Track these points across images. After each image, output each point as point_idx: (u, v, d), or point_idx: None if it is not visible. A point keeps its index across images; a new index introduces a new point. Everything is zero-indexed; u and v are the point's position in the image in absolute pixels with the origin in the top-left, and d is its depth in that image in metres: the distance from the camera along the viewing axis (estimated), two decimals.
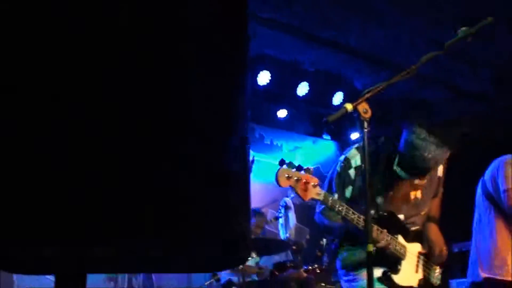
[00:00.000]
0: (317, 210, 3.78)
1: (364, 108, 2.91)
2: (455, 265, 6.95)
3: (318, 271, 6.79)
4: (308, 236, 7.57)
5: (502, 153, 5.20)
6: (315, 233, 7.23)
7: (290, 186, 3.16)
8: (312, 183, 3.23)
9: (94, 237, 0.99)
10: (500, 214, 4.79)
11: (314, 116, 9.67)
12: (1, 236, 0.94)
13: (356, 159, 3.70)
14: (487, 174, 4.98)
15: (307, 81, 8.48)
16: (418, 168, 3.52)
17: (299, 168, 3.19)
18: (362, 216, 3.35)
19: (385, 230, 3.52)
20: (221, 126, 1.06)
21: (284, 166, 3.15)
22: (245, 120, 1.13)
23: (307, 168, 3.24)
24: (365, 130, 2.90)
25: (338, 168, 3.74)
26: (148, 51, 1.02)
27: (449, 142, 3.46)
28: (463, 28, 3.16)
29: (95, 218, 0.97)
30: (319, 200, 3.31)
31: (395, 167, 3.58)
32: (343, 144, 10.03)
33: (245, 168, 1.12)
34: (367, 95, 2.93)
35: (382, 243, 3.46)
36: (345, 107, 2.89)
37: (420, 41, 7.66)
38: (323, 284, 6.54)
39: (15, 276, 6.40)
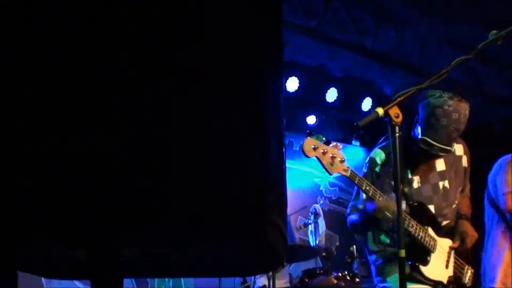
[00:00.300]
0: (346, 214, 3.78)
1: (395, 112, 2.89)
2: None
3: (348, 278, 6.75)
4: (337, 243, 7.54)
5: None
6: (345, 240, 7.20)
7: (316, 157, 3.13)
8: (339, 158, 3.20)
9: (124, 238, 0.97)
10: (503, 222, 4.72)
11: (343, 122, 9.64)
12: (32, 236, 0.94)
13: (381, 156, 3.69)
14: (490, 177, 4.91)
15: (336, 87, 8.46)
16: (446, 125, 3.45)
17: (327, 142, 3.17)
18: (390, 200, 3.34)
19: (411, 221, 3.48)
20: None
21: (312, 137, 3.12)
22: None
23: (335, 144, 3.21)
24: (397, 134, 2.87)
25: (364, 169, 3.74)
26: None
27: (465, 93, 3.46)
28: (494, 31, 3.13)
29: (125, 218, 0.95)
30: (345, 175, 3.27)
31: (419, 144, 3.51)
32: (372, 149, 9.96)
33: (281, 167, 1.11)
34: (399, 99, 2.92)
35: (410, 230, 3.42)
36: (376, 111, 2.88)
37: (446, 45, 7.62)
38: None
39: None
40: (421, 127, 3.53)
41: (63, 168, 0.93)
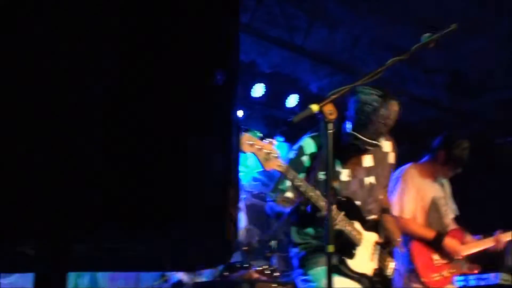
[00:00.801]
0: (269, 200, 3.78)
1: (329, 109, 2.91)
2: None
3: (268, 272, 6.78)
4: (258, 238, 7.55)
5: None
6: (266, 234, 7.24)
7: (253, 152, 3.16)
8: (274, 154, 3.25)
9: (75, 234, 0.95)
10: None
11: (268, 118, 9.68)
12: None
13: (309, 147, 3.73)
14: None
15: (264, 83, 8.48)
16: (371, 122, 3.52)
17: (262, 138, 3.21)
18: (321, 195, 3.39)
19: (342, 213, 3.54)
20: None
21: (249, 133, 3.15)
22: None
23: (270, 140, 3.25)
24: (330, 131, 2.90)
25: (291, 156, 3.77)
26: None
27: (394, 103, 3.53)
28: (426, 34, 3.19)
29: (75, 214, 0.93)
30: (280, 171, 3.32)
31: (348, 139, 3.57)
32: None
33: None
34: (333, 97, 2.93)
35: (338, 224, 3.47)
36: (310, 108, 2.89)
37: (377, 46, 7.77)
38: (274, 285, 6.52)
39: None
40: (350, 122, 3.58)
41: (12, 167, 0.91)
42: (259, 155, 3.19)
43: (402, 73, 8.08)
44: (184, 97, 1.01)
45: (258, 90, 8.49)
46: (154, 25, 1.01)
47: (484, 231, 5.50)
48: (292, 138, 9.99)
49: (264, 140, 3.23)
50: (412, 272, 4.97)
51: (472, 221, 5.33)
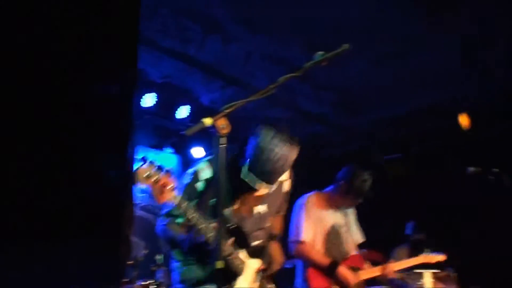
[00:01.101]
0: (162, 223, 3.73)
1: (222, 123, 2.90)
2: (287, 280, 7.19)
3: (153, 286, 6.68)
4: (144, 251, 7.42)
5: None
6: (152, 247, 7.13)
7: (148, 185, 3.11)
8: (170, 186, 3.21)
9: None
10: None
11: (158, 128, 9.59)
12: None
13: (205, 172, 3.71)
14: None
15: (155, 93, 8.39)
16: (268, 170, 3.51)
17: (160, 169, 3.15)
18: (210, 226, 3.38)
19: (229, 242, 3.55)
20: None
21: (146, 165, 3.08)
22: None
23: (168, 169, 3.21)
24: (223, 146, 2.89)
25: (185, 180, 3.74)
26: None
27: (295, 139, 3.55)
28: (320, 52, 3.25)
29: None
30: (173, 203, 3.28)
31: (242, 176, 3.56)
32: (185, 158, 10.02)
33: None
34: (227, 111, 2.93)
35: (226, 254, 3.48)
36: (203, 122, 2.88)
37: (269, 62, 7.89)
38: None
39: None
40: (247, 161, 3.56)
41: None
42: (154, 188, 3.15)
43: (291, 87, 8.24)
44: (74, 112, 0.98)
45: (148, 100, 8.39)
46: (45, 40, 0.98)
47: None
48: (181, 149, 9.97)
49: (161, 172, 3.18)
50: None
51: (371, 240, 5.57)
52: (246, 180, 3.54)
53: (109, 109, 0.93)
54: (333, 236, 5.35)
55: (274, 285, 3.98)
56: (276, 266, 3.95)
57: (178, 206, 3.32)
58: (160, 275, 7.13)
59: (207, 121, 2.88)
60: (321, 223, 5.29)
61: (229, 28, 7.03)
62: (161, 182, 3.16)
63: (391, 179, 9.85)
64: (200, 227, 3.38)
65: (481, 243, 8.42)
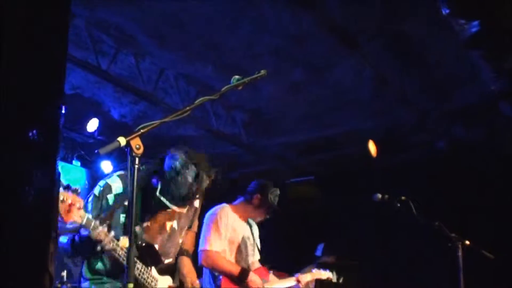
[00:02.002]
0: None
1: (137, 144, 2.87)
2: None
3: None
4: None
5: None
6: (57, 264, 6.94)
7: None
8: (78, 205, 3.14)
9: None
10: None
11: (66, 141, 9.37)
12: None
13: (117, 186, 3.67)
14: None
15: (63, 104, 8.17)
16: (180, 194, 3.53)
17: (67, 188, 3.09)
18: (119, 244, 3.34)
19: (137, 262, 3.52)
20: None
21: None
22: None
23: (75, 188, 3.14)
24: (136, 166, 2.87)
25: (96, 192, 3.68)
26: None
27: (209, 172, 3.58)
28: (236, 77, 3.27)
29: None
30: (80, 223, 3.22)
31: (158, 195, 3.56)
32: (93, 171, 9.84)
33: None
34: (142, 131, 2.90)
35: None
36: (118, 141, 2.83)
37: (182, 80, 7.91)
38: None
39: None
40: (160, 182, 3.56)
41: None
42: (61, 208, 3.08)
43: (204, 106, 8.26)
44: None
45: None
46: None
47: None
48: (89, 163, 9.79)
49: (68, 191, 3.12)
50: None
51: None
52: (161, 199, 3.55)
53: (31, 151, 0.93)
54: (243, 247, 5.41)
55: None
56: (188, 283, 3.94)
57: (86, 225, 3.26)
58: None
59: (122, 140, 2.84)
60: (234, 233, 5.34)
61: (143, 44, 7.00)
62: (68, 201, 3.10)
63: (302, 200, 10.04)
64: (105, 242, 3.33)
65: (384, 265, 8.68)
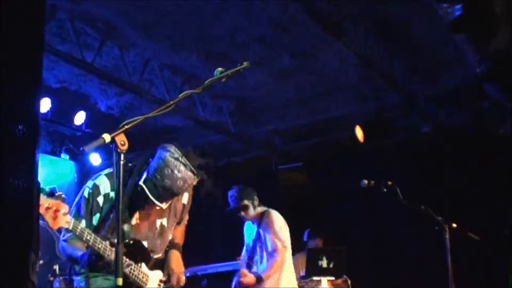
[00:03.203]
0: (62, 238, 3.64)
1: (121, 140, 2.84)
2: None
3: None
4: (42, 261, 7.21)
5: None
6: (49, 257, 6.94)
7: (40, 214, 3.00)
8: (63, 211, 3.12)
9: None
10: None
11: (53, 134, 9.33)
12: None
13: (105, 186, 3.64)
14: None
15: (50, 98, 8.12)
16: (167, 187, 3.47)
17: (51, 194, 3.06)
18: (108, 246, 3.33)
19: (127, 260, 3.52)
20: None
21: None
22: None
23: (59, 194, 3.11)
24: (122, 162, 2.84)
25: (86, 194, 3.64)
26: None
27: (198, 168, 3.55)
28: (220, 69, 3.24)
29: None
30: (68, 228, 3.20)
31: (141, 183, 3.52)
32: (82, 164, 9.81)
33: None
34: (126, 127, 2.87)
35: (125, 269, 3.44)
36: (103, 138, 2.80)
37: (167, 71, 7.87)
38: None
39: None
40: (147, 177, 3.53)
41: None
42: (46, 216, 3.05)
43: (190, 97, 8.24)
44: None
45: (43, 105, 8.10)
46: None
47: None
48: (78, 156, 9.75)
49: (52, 198, 3.09)
50: None
51: None
52: (148, 193, 3.52)
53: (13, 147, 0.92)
54: None
55: None
56: (175, 278, 3.94)
57: (73, 230, 3.23)
58: (57, 284, 6.99)
59: (107, 137, 2.81)
60: None
61: (127, 35, 6.96)
62: (54, 208, 3.07)
63: (291, 186, 10.07)
64: (97, 247, 3.32)
65: (373, 250, 8.73)
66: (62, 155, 9.61)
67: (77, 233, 3.25)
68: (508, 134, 8.22)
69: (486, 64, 6.53)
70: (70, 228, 3.20)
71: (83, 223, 3.45)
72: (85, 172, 9.41)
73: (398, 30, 6.80)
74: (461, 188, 8.47)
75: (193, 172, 3.52)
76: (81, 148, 2.79)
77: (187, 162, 3.48)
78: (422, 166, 8.85)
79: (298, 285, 7.21)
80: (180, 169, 3.45)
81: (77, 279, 3.76)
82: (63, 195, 3.13)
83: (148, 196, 3.51)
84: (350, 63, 7.50)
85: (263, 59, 7.25)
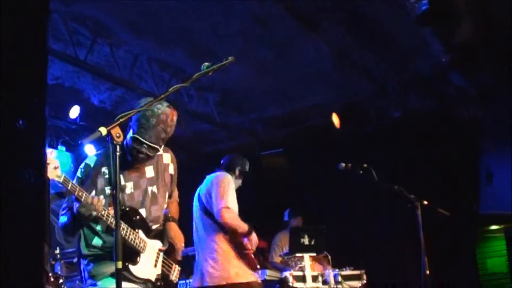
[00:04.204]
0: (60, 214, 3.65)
1: (117, 132, 2.87)
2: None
3: (52, 279, 6.55)
4: None
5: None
6: (59, 236, 6.93)
7: None
8: (53, 165, 3.13)
9: None
10: (220, 229, 5.15)
11: (50, 128, 9.31)
12: None
13: (92, 160, 3.68)
14: (203, 190, 5.31)
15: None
16: (155, 124, 3.52)
17: None
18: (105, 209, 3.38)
19: (125, 225, 3.54)
20: None
21: None
22: None
23: (50, 151, 3.13)
24: (118, 153, 2.87)
25: (79, 174, 3.66)
26: None
27: (174, 103, 3.60)
28: (206, 64, 3.26)
29: None
30: (59, 181, 3.20)
31: (137, 137, 3.53)
32: (77, 155, 9.79)
33: None
34: (121, 120, 2.89)
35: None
36: (99, 131, 2.82)
37: (156, 65, 7.87)
38: None
39: None
40: (132, 129, 3.56)
41: None
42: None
43: (178, 90, 8.23)
44: None
45: None
46: None
47: None
48: (73, 148, 9.73)
49: None
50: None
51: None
52: (134, 146, 3.55)
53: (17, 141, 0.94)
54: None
55: (178, 265, 3.97)
56: (178, 245, 3.96)
57: (65, 183, 3.24)
58: (59, 267, 6.98)
59: (103, 130, 2.83)
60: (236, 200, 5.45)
61: (117, 33, 6.96)
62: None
63: (272, 170, 10.12)
64: (87, 201, 3.34)
65: (350, 227, 8.81)
66: (59, 147, 9.61)
67: (69, 187, 3.26)
68: (472, 117, 8.34)
69: (450, 54, 6.62)
70: (61, 181, 3.20)
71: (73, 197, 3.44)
72: (81, 162, 9.40)
73: (369, 22, 6.84)
74: (431, 168, 8.57)
75: (168, 106, 3.58)
76: (79, 141, 2.82)
77: (160, 102, 3.51)
78: (395, 149, 8.93)
79: (282, 262, 7.27)
80: (158, 106, 3.51)
81: (83, 262, 3.75)
82: (53, 152, 3.15)
83: (144, 142, 3.53)
84: (325, 53, 7.53)
85: (244, 52, 7.27)
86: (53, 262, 6.92)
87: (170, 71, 8.01)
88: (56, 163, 3.15)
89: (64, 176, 3.23)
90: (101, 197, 3.42)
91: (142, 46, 7.37)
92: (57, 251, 6.99)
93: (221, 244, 5.22)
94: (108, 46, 7.29)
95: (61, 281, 6.66)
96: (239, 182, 5.63)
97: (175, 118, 3.66)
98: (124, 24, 6.75)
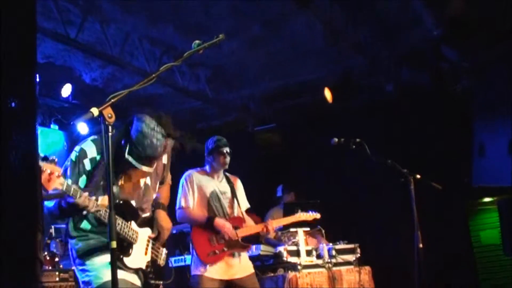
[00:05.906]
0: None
1: (109, 113, 2.85)
2: (172, 245, 7.29)
3: (48, 258, 6.58)
4: None
5: None
6: (46, 221, 6.91)
7: None
8: (56, 174, 3.12)
9: None
10: None
11: (42, 106, 9.29)
12: None
13: (91, 151, 3.65)
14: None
15: (37, 73, 8.03)
16: (147, 155, 3.50)
17: (45, 159, 3.06)
18: (99, 204, 3.38)
19: (120, 219, 3.56)
20: None
21: None
22: None
23: (52, 158, 3.11)
24: (110, 134, 2.85)
25: (73, 158, 3.64)
26: None
27: (173, 133, 3.58)
28: (197, 41, 3.24)
29: None
30: (62, 189, 3.20)
31: (126, 156, 3.54)
32: (70, 133, 9.77)
33: None
34: (112, 101, 2.87)
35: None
36: (91, 112, 2.81)
37: (147, 42, 7.81)
38: (56, 273, 6.35)
39: None
40: (128, 146, 3.53)
41: None
42: (42, 178, 3.05)
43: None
44: None
45: None
46: None
47: None
48: (66, 126, 9.70)
49: (47, 161, 3.08)
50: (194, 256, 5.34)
51: None
52: (129, 160, 3.54)
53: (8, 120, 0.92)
54: (214, 200, 5.52)
55: (165, 249, 4.04)
56: (165, 233, 4.01)
57: (66, 191, 3.24)
58: (54, 245, 6.99)
59: (95, 111, 2.81)
60: (201, 191, 5.46)
61: (107, 10, 6.90)
62: (47, 171, 3.07)
63: (266, 146, 10.14)
64: (90, 207, 3.35)
65: (343, 202, 8.85)
66: (52, 126, 9.59)
67: (71, 193, 3.26)
68: (465, 90, 8.33)
69: (442, 27, 6.59)
70: (64, 189, 3.20)
71: (69, 182, 3.44)
72: (74, 141, 9.40)
73: None
74: (424, 142, 8.58)
75: (169, 137, 3.57)
76: (71, 122, 2.80)
77: (162, 131, 3.50)
78: (388, 123, 8.93)
79: (276, 237, 7.30)
80: (158, 138, 3.48)
81: (71, 241, 3.75)
82: (56, 159, 3.14)
83: (135, 166, 3.54)
84: (317, 30, 7.49)
85: (236, 29, 7.22)
86: (48, 241, 6.93)
87: (161, 48, 7.96)
88: (58, 171, 3.14)
89: (67, 184, 3.23)
90: (93, 197, 3.43)
91: (132, 23, 7.30)
92: (51, 229, 6.99)
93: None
94: (99, 24, 7.22)
95: (57, 259, 6.68)
96: (220, 162, 5.62)
97: (171, 148, 3.68)
98: (115, 1, 6.68)
